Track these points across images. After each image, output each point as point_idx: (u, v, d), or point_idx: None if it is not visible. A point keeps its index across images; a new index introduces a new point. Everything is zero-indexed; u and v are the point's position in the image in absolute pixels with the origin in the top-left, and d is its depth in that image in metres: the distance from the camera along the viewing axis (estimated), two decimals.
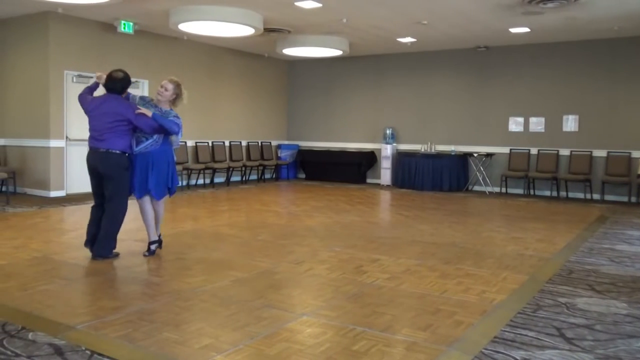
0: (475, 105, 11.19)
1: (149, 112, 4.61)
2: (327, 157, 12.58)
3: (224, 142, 11.69)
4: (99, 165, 4.60)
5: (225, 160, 11.58)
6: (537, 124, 10.56)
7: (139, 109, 4.62)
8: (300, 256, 5.01)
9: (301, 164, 13.03)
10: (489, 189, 10.81)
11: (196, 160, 11.02)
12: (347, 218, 7.33)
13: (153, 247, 4.93)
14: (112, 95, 4.69)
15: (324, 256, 5.03)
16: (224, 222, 6.88)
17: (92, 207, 4.78)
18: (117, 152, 4.59)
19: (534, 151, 10.53)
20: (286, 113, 13.60)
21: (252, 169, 12.13)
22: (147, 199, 4.84)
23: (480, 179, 10.93)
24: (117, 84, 4.69)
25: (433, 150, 11.36)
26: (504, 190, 10.61)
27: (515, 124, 10.78)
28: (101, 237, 4.66)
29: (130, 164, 4.68)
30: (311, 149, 13.00)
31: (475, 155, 10.83)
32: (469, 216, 8.08)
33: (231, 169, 11.51)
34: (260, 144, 12.67)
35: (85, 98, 4.77)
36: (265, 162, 12.34)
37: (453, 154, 11.08)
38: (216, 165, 10.99)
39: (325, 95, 13.05)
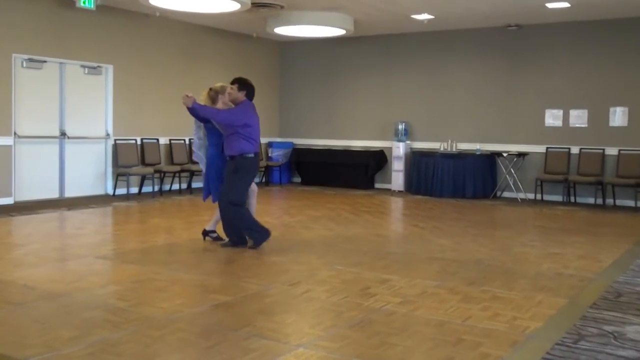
0: (504, 95, 11.23)
1: None
2: (327, 158, 12.61)
3: None
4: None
5: None
6: (578, 117, 10.60)
7: None
8: (296, 276, 5.02)
9: (296, 165, 13.05)
10: (521, 195, 10.85)
11: (170, 161, 11.03)
12: (352, 230, 7.34)
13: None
14: (252, 104, 6.19)
15: (324, 276, 5.04)
16: None
17: (243, 208, 6.02)
18: None
19: (574, 150, 10.57)
20: (278, 105, 13.62)
21: None
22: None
23: (511, 183, 10.96)
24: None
25: (454, 150, 11.40)
26: (538, 196, 10.64)
27: (552, 118, 10.82)
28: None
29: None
30: (308, 148, 13.03)
31: (505, 155, 10.86)
32: (497, 228, 8.08)
33: None
34: None
35: (239, 110, 6.01)
36: None
37: (478, 153, 11.11)
38: (194, 168, 10.99)
39: (324, 83, 13.09)
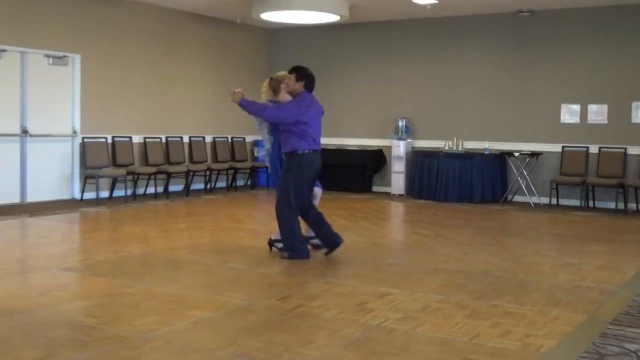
0: (515, 89, 11.27)
1: None
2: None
3: (181, 138, 11.70)
4: (320, 165, 6.21)
5: (184, 162, 11.59)
6: (597, 113, 10.66)
7: None
8: (285, 289, 5.02)
9: None
10: (534, 199, 10.89)
11: (145, 161, 11.02)
12: (347, 238, 7.32)
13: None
14: (312, 95, 6.20)
15: (316, 289, 5.04)
16: (183, 244, 6.88)
17: (296, 216, 6.11)
18: None
19: (593, 149, 10.62)
20: (265, 100, 13.60)
21: (219, 173, 12.15)
22: None
23: (523, 186, 11.00)
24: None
25: (460, 149, 11.43)
26: (554, 201, 10.69)
27: (569, 114, 10.87)
28: (330, 229, 6.30)
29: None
30: None
31: (517, 155, 10.90)
32: (507, 236, 8.11)
33: (192, 173, 11.52)
34: (230, 141, 12.69)
35: (295, 106, 6.01)
36: (238, 165, 12.36)
37: (487, 153, 11.15)
38: (171, 169, 10.99)
39: (316, 76, 13.00)
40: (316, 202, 6.47)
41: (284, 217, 6.10)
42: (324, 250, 6.35)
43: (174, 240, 7.07)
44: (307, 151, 6.03)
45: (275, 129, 6.32)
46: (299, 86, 6.13)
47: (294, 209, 6.08)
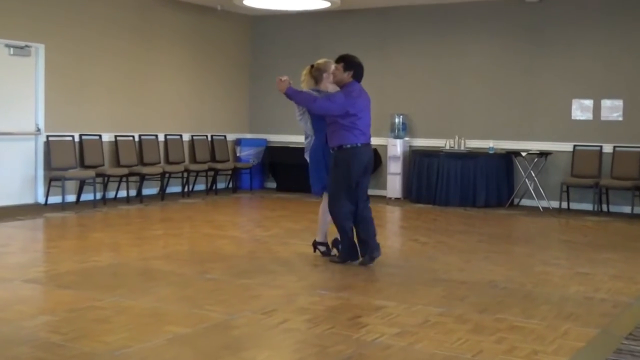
0: (523, 82, 11.31)
1: None
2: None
3: (156, 137, 11.68)
4: (371, 159, 6.43)
5: (159, 163, 11.57)
6: (612, 109, 10.71)
7: None
8: (270, 302, 5.02)
9: (270, 167, 13.06)
10: (543, 203, 10.93)
11: (116, 162, 10.98)
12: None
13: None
14: (361, 85, 6.33)
15: (305, 302, 5.04)
16: (158, 253, 6.86)
17: (348, 212, 6.23)
18: None
19: (607, 149, 10.68)
20: (248, 94, 13.62)
21: (198, 175, 12.13)
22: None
23: (531, 189, 11.04)
24: None
25: (462, 148, 11.46)
26: (564, 205, 10.73)
27: (580, 110, 10.93)
28: (373, 237, 6.34)
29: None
30: (285, 147, 13.02)
31: (524, 154, 10.94)
32: (514, 243, 8.14)
33: (168, 175, 11.50)
34: (210, 139, 12.67)
35: (349, 100, 6.14)
36: (218, 166, 12.35)
37: (491, 152, 11.19)
38: (145, 170, 10.96)
39: (304, 69, 13.06)
40: None
41: (335, 215, 6.27)
42: (328, 257, 6.53)
43: (148, 249, 7.04)
44: (355, 145, 6.18)
45: (317, 120, 6.41)
46: (347, 76, 6.25)
47: (345, 206, 6.23)
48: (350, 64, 6.28)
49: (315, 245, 6.69)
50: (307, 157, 6.69)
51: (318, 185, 6.55)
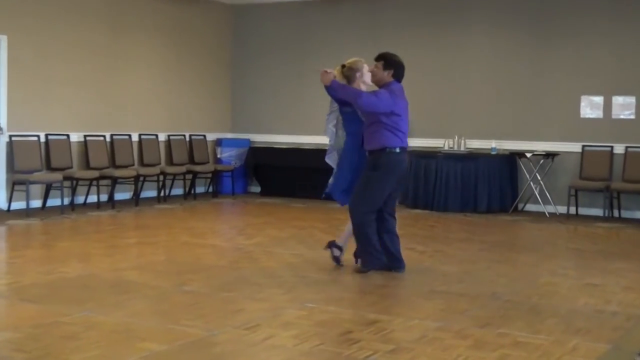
0: (528, 77, 11.34)
1: None
2: (295, 160, 12.64)
3: (129, 136, 11.65)
4: (407, 169, 6.68)
5: (133, 165, 11.54)
6: (624, 106, 10.76)
7: None
8: (254, 317, 5.01)
9: (254, 170, 13.05)
10: (549, 208, 10.97)
11: (85, 164, 10.95)
12: (328, 256, 7.34)
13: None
14: (401, 86, 6.47)
15: (291, 316, 5.04)
16: (131, 264, 6.85)
17: (372, 220, 6.31)
18: None
19: (619, 149, 10.73)
20: (230, 90, 13.62)
21: (175, 178, 12.10)
22: None
23: (537, 192, 11.07)
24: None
25: (462, 149, 11.49)
26: (572, 210, 10.77)
27: (590, 107, 10.97)
28: (398, 249, 6.54)
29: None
30: (270, 147, 13.04)
31: (529, 155, 10.97)
32: (518, 252, 8.16)
33: (142, 178, 11.48)
34: (188, 139, 12.66)
35: (394, 98, 6.26)
36: (197, 168, 12.33)
37: (494, 153, 11.23)
38: (117, 173, 10.94)
39: (292, 62, 13.12)
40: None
41: (357, 219, 6.34)
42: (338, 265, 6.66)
43: (121, 259, 7.02)
44: (398, 149, 6.30)
45: (350, 122, 6.44)
46: (387, 75, 6.36)
47: (371, 212, 6.31)
48: (390, 62, 6.39)
49: (331, 245, 6.75)
50: (328, 160, 6.73)
51: (344, 192, 6.59)
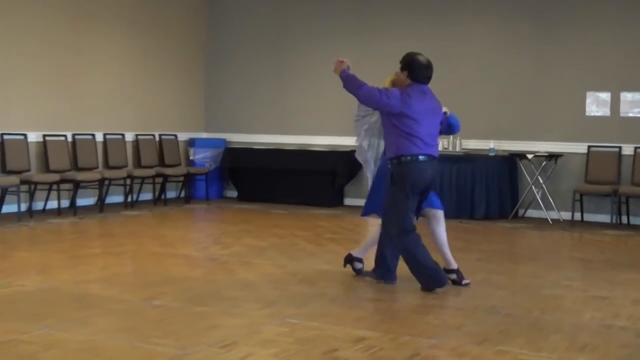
0: (529, 72, 11.37)
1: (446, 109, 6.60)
2: (275, 162, 12.62)
3: (93, 136, 11.61)
4: (435, 177, 6.43)
5: (97, 168, 11.49)
6: (633, 103, 10.81)
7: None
8: (230, 334, 4.99)
9: (230, 173, 13.04)
10: (552, 214, 11.00)
11: (44, 167, 10.90)
12: (312, 267, 7.35)
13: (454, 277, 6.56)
14: (429, 88, 6.42)
15: (271, 333, 5.02)
16: (96, 276, 6.80)
17: (413, 239, 6.22)
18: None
19: (627, 150, 10.77)
20: (203, 86, 13.61)
21: (144, 181, 12.08)
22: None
23: (539, 197, 11.10)
24: (432, 71, 6.54)
25: (458, 150, 11.52)
26: (577, 216, 10.81)
27: (596, 105, 11.01)
28: (396, 264, 6.51)
29: None
30: (247, 148, 13.03)
31: (530, 157, 10.99)
32: (519, 262, 8.18)
33: (107, 182, 11.43)
34: (158, 139, 12.63)
35: (396, 91, 6.23)
36: (168, 171, 12.30)
37: (492, 154, 11.25)
38: (80, 177, 10.88)
39: (273, 55, 13.11)
40: (441, 227, 6.55)
41: (398, 246, 6.30)
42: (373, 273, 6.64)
43: (84, 271, 6.98)
44: (414, 156, 6.11)
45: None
46: (405, 77, 6.34)
47: (405, 231, 6.20)
48: (404, 62, 6.41)
49: (349, 260, 6.78)
50: (358, 158, 6.80)
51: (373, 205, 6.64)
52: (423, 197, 6.29)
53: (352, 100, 12.76)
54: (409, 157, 6.11)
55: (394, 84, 6.42)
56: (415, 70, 6.32)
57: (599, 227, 10.39)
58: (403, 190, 6.14)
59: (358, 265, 6.78)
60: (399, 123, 6.13)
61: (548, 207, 11.04)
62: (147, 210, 11.41)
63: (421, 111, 6.16)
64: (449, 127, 6.68)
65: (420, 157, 6.13)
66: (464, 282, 6.51)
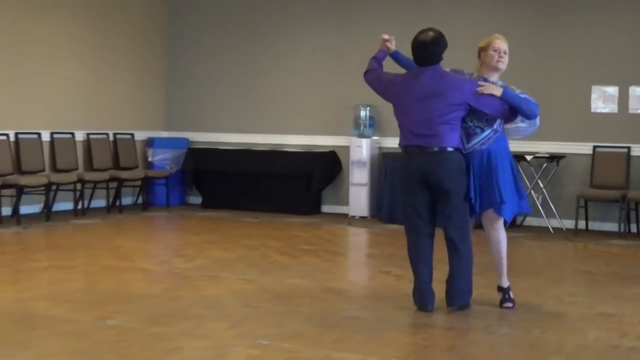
0: (530, 64, 11.35)
1: (497, 89, 6.11)
2: (244, 164, 12.64)
3: (39, 135, 11.55)
4: (434, 171, 6.02)
5: (43, 171, 11.43)
6: None
7: (481, 84, 6.14)
8: (194, 357, 4.98)
9: (194, 177, 13.05)
10: (554, 222, 11.04)
11: None
12: (285, 281, 7.34)
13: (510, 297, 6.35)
14: (431, 70, 6.27)
15: (240, 356, 5.01)
16: (42, 293, 6.77)
17: (418, 240, 6.17)
18: (453, 150, 6.05)
19: (637, 150, 10.85)
20: (164, 80, 13.62)
21: (96, 186, 12.04)
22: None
23: (539, 203, 11.13)
24: (431, 50, 6.36)
25: None
26: (582, 224, 10.86)
27: (602, 100, 11.06)
28: (459, 282, 6.17)
29: (467, 167, 6.16)
30: (213, 148, 13.06)
31: (529, 158, 11.03)
32: (517, 275, 8.17)
33: (55, 187, 11.37)
34: (112, 139, 12.60)
35: (386, 79, 6.35)
36: (123, 174, 12.27)
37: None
38: (24, 181, 10.82)
39: (241, 46, 13.11)
40: (495, 232, 6.31)
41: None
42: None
43: (28, 287, 6.92)
44: (402, 149, 6.25)
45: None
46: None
47: (408, 232, 6.27)
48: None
49: (503, 292, 6.42)
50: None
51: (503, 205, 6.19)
52: (439, 198, 6.10)
53: (331, 95, 12.81)
54: (401, 149, 6.27)
55: None
56: (413, 49, 6.48)
57: (606, 236, 10.44)
58: (400, 183, 6.39)
59: (507, 301, 6.38)
60: (395, 111, 6.35)
61: (549, 215, 11.08)
62: (100, 218, 11.39)
63: (409, 99, 6.19)
64: (511, 112, 6.27)
65: (408, 149, 6.18)
66: (504, 304, 6.31)
